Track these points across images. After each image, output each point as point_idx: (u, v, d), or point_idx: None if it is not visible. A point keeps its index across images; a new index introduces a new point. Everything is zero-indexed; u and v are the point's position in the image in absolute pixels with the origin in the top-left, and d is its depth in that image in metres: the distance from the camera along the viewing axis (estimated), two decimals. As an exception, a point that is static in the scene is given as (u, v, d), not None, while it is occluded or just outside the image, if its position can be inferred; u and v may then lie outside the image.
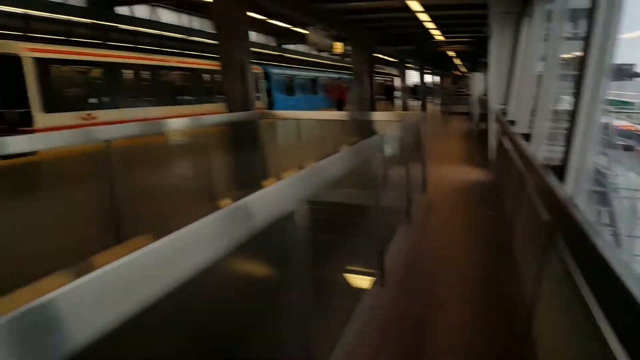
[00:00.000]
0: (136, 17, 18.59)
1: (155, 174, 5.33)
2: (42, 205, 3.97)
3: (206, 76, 16.26)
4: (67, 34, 16.82)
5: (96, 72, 12.91)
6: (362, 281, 3.34)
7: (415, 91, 36.03)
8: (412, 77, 40.72)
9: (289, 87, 21.75)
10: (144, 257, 0.99)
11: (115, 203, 3.96)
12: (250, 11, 6.45)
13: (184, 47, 21.27)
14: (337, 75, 30.49)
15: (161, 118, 13.21)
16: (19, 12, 14.67)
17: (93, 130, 4.16)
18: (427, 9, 12.04)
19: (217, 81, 14.63)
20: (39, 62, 10.62)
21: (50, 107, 10.47)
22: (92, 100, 12.22)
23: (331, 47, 9.89)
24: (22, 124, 10.07)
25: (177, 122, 5.85)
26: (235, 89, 6.67)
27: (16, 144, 3.32)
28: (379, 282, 3.49)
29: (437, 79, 44.49)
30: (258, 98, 17.26)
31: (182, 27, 21.75)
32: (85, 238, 3.88)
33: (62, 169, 4.45)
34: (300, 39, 27.67)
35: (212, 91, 16.31)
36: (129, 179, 4.28)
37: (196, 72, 16.50)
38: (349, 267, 3.34)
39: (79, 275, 0.86)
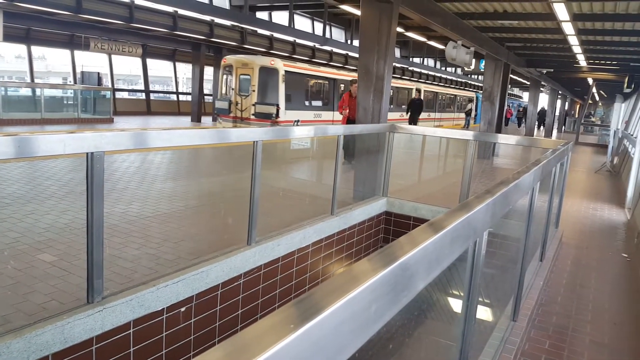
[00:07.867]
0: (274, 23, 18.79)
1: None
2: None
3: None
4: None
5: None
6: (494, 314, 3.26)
7: (541, 116, 33.80)
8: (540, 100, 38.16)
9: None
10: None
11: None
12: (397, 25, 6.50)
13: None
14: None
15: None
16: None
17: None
18: (581, 33, 11.34)
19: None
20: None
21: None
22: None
23: (469, 63, 9.72)
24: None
25: (311, 129, 6.46)
26: (368, 100, 6.79)
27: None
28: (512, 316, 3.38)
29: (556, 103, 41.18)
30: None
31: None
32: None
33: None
34: (430, 52, 27.23)
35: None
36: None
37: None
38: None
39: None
